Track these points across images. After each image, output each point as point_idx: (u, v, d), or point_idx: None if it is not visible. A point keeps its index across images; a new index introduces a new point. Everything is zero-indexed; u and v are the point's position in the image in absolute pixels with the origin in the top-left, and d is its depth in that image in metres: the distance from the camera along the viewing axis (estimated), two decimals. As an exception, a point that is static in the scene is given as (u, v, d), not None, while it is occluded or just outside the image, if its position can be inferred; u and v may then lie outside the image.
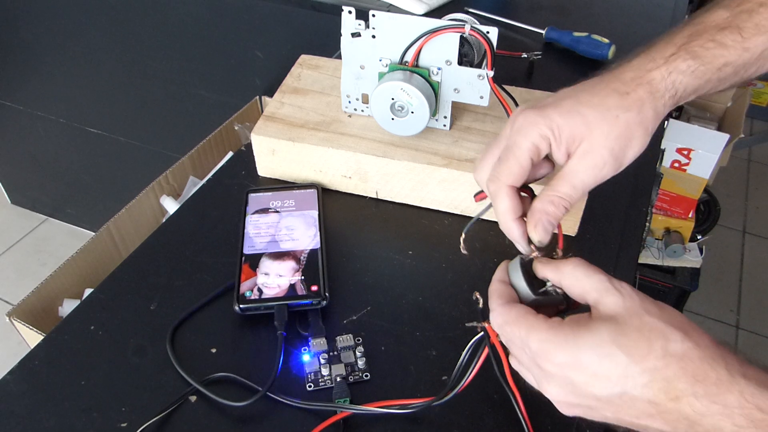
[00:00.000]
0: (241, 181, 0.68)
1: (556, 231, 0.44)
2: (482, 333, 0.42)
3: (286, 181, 0.67)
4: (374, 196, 0.66)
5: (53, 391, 0.48)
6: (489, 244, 0.61)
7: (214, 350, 0.51)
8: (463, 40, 0.59)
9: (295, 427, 0.46)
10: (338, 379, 0.49)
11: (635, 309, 0.35)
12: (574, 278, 0.38)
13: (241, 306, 0.52)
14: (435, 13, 0.97)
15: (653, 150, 0.75)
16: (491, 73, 0.59)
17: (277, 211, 0.62)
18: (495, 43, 0.57)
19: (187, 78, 1.32)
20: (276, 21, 1.14)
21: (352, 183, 0.65)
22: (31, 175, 1.83)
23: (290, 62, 0.75)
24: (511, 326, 0.38)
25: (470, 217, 0.63)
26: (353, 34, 0.60)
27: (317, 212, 0.61)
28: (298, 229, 0.60)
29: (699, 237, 1.45)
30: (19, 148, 1.76)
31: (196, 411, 0.47)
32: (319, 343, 0.51)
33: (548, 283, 0.40)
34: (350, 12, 0.60)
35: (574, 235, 0.62)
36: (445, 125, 0.65)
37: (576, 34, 0.90)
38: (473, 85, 0.61)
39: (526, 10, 1.02)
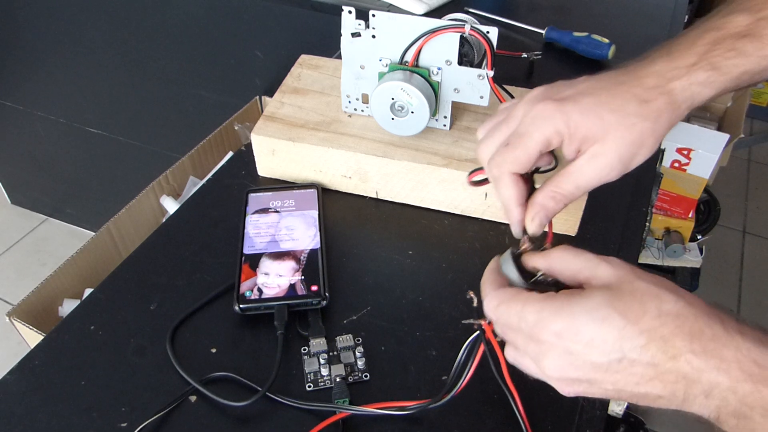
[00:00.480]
0: (241, 181, 0.68)
1: (544, 229, 0.44)
2: (478, 332, 0.42)
3: (286, 181, 0.67)
4: (374, 196, 0.66)
5: (53, 391, 0.48)
6: (489, 244, 0.61)
7: (214, 350, 0.51)
8: (463, 40, 0.59)
9: (294, 428, 0.46)
10: (338, 379, 0.49)
11: (627, 276, 0.36)
12: (563, 261, 0.39)
13: (241, 306, 0.52)
14: (435, 13, 0.97)
15: (653, 150, 0.75)
16: (491, 73, 0.59)
17: (277, 211, 0.62)
18: (495, 43, 0.57)
19: (187, 78, 1.32)
20: (276, 21, 1.14)
21: (352, 183, 0.65)
22: (31, 175, 1.83)
23: (290, 62, 0.75)
24: (506, 305, 0.38)
25: (470, 217, 0.64)
26: (353, 34, 0.60)
27: (317, 212, 0.61)
28: (298, 229, 0.60)
29: (699, 237, 1.45)
30: (19, 148, 1.76)
31: (196, 411, 0.47)
32: (318, 343, 0.51)
33: (539, 274, 0.41)
34: (350, 12, 0.60)
35: (574, 235, 0.62)
36: (445, 125, 0.65)
37: (576, 34, 0.90)
38: (473, 85, 0.61)
39: (526, 10, 1.02)
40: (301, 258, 0.56)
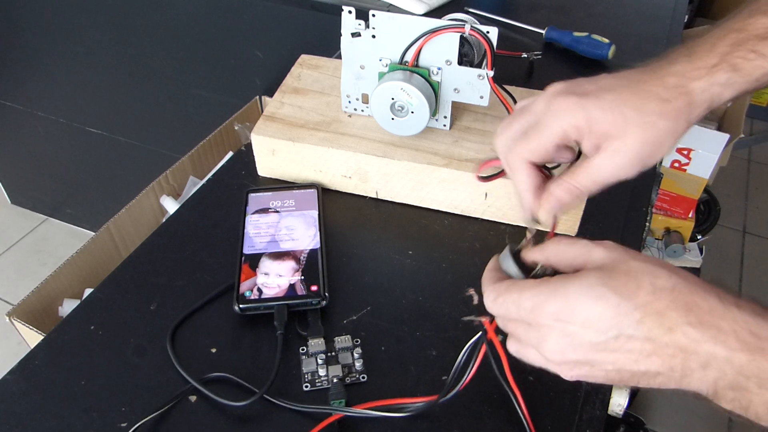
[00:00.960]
0: (241, 181, 0.68)
1: (545, 229, 0.45)
2: (480, 334, 0.42)
3: (286, 181, 0.67)
4: (374, 196, 0.66)
5: (53, 391, 0.48)
6: (489, 244, 0.61)
7: (214, 350, 0.51)
8: (463, 40, 0.59)
9: (291, 427, 0.46)
10: (335, 380, 0.49)
11: (621, 256, 0.36)
12: (559, 251, 0.39)
13: (240, 306, 0.52)
14: (435, 13, 0.97)
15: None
16: (491, 73, 0.59)
17: (277, 211, 0.62)
18: (495, 43, 0.57)
19: (187, 78, 1.32)
20: (276, 21, 1.14)
21: (352, 183, 0.65)
22: (31, 175, 1.83)
23: (290, 62, 0.75)
24: (504, 296, 0.38)
25: (470, 217, 0.64)
26: (353, 34, 0.60)
27: (317, 212, 0.61)
28: (298, 229, 0.60)
29: (699, 237, 1.45)
30: (19, 148, 1.76)
31: (195, 410, 0.47)
32: (317, 344, 0.51)
33: (538, 267, 0.41)
34: (350, 12, 0.60)
35: (574, 235, 0.62)
36: (445, 125, 0.65)
37: (576, 34, 0.90)
38: (473, 85, 0.61)
39: (526, 10, 1.02)
40: (301, 258, 0.56)
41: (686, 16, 1.05)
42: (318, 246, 0.58)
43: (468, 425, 0.47)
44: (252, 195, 0.63)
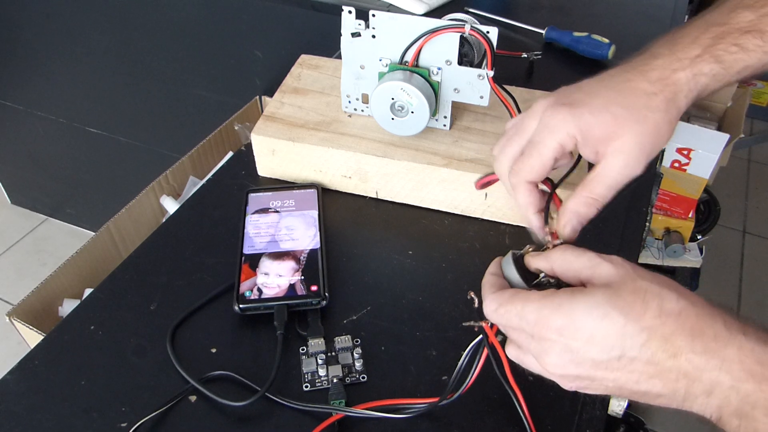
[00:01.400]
0: (241, 181, 0.68)
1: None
2: (481, 337, 0.42)
3: (286, 181, 0.67)
4: (374, 196, 0.66)
5: (53, 391, 0.48)
6: (489, 244, 0.61)
7: (214, 350, 0.51)
8: (463, 40, 0.59)
9: (290, 428, 0.46)
10: (335, 380, 0.49)
11: (628, 274, 0.36)
12: (564, 261, 0.39)
13: (240, 306, 0.52)
14: (435, 13, 0.96)
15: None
16: (491, 73, 0.59)
17: (277, 211, 0.62)
18: (495, 43, 0.57)
19: (187, 78, 1.32)
20: (276, 21, 1.14)
21: (352, 183, 0.65)
22: (31, 175, 1.83)
23: (290, 62, 0.75)
24: (505, 306, 0.38)
25: (470, 217, 0.64)
26: (353, 34, 0.60)
27: (317, 212, 0.61)
28: (298, 229, 0.60)
29: (699, 237, 1.45)
30: (19, 148, 1.76)
31: (195, 410, 0.47)
32: (317, 344, 0.51)
33: (541, 275, 0.40)
34: (350, 12, 0.60)
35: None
36: (445, 125, 0.65)
37: (576, 34, 0.90)
38: (473, 85, 0.61)
39: (526, 10, 1.02)
40: (301, 258, 0.56)
41: (686, 16, 1.05)
42: (318, 246, 0.58)
43: (468, 425, 0.47)
44: (252, 195, 0.63)
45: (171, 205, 1.04)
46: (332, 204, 0.65)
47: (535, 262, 0.41)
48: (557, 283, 0.40)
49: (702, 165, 1.27)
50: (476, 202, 0.63)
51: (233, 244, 0.58)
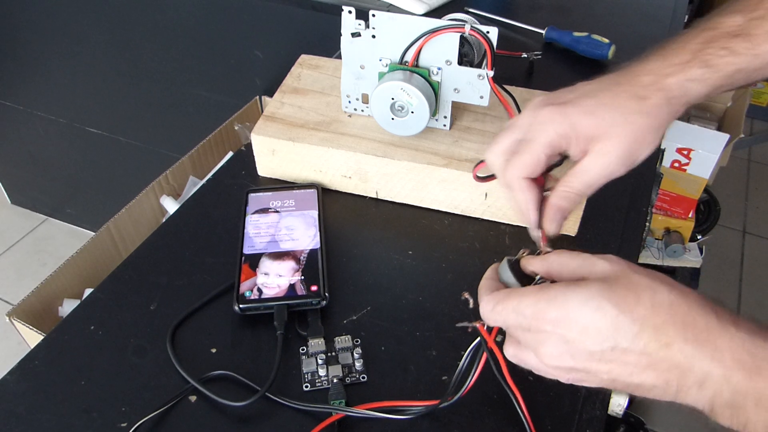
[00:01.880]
0: (241, 181, 0.68)
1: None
2: (479, 339, 0.42)
3: (286, 181, 0.67)
4: (374, 196, 0.66)
5: (53, 391, 0.48)
6: (489, 244, 0.61)
7: (214, 350, 0.51)
8: (463, 40, 0.59)
9: (290, 428, 0.46)
10: (335, 380, 0.49)
11: (623, 270, 0.36)
12: (560, 263, 0.39)
13: (240, 306, 0.52)
14: (435, 13, 0.96)
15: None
16: (491, 73, 0.59)
17: (277, 211, 0.62)
18: (495, 43, 0.57)
19: (187, 78, 1.32)
20: (276, 21, 1.14)
21: (352, 183, 0.65)
22: (31, 175, 1.83)
23: (290, 62, 0.75)
24: (502, 303, 0.38)
25: (470, 217, 0.64)
26: (353, 34, 0.60)
27: (317, 212, 0.61)
28: (298, 229, 0.60)
29: (699, 237, 1.45)
30: (19, 148, 1.76)
31: (194, 410, 0.47)
32: (317, 344, 0.51)
33: (537, 278, 0.41)
34: (350, 12, 0.60)
35: (574, 235, 0.62)
36: (445, 125, 0.65)
37: (576, 34, 0.90)
38: (473, 85, 0.61)
39: (526, 10, 1.02)
40: (301, 258, 0.56)
41: (686, 16, 1.05)
42: (318, 246, 0.58)
43: (468, 425, 0.47)
44: (252, 195, 0.63)
45: (171, 205, 1.04)
46: (332, 204, 0.65)
47: (531, 264, 0.41)
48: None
49: (702, 165, 1.27)
50: (476, 202, 0.63)
51: (233, 244, 0.58)
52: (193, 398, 0.48)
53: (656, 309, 0.34)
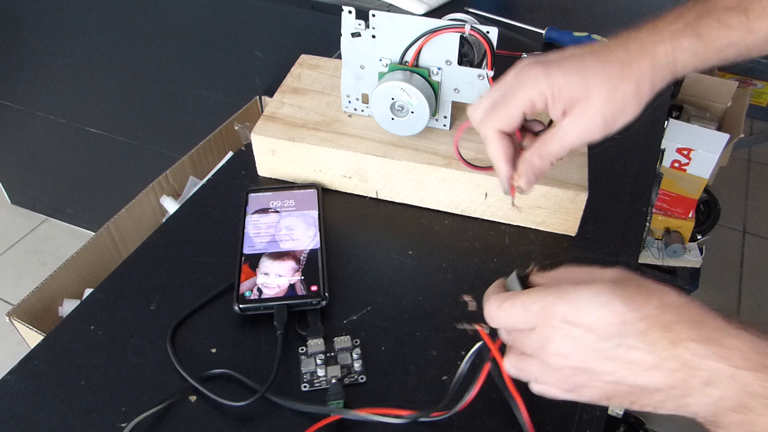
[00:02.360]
0: (241, 181, 0.68)
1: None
2: (480, 344, 0.42)
3: (286, 181, 0.67)
4: (374, 196, 0.66)
5: (53, 391, 0.48)
6: (489, 244, 0.61)
7: (214, 350, 0.51)
8: (463, 40, 0.59)
9: (288, 427, 0.46)
10: (333, 380, 0.49)
11: (632, 275, 0.37)
12: (569, 272, 0.39)
13: (240, 306, 0.52)
14: (435, 13, 0.97)
15: (653, 150, 0.75)
16: (491, 73, 0.59)
17: (277, 211, 0.62)
18: (495, 43, 0.57)
19: (187, 78, 1.32)
20: (276, 21, 1.14)
21: (352, 183, 0.65)
22: (31, 175, 1.83)
23: (290, 62, 0.75)
24: (509, 302, 0.38)
25: (470, 217, 0.64)
26: (353, 34, 0.60)
27: (317, 212, 0.61)
28: (298, 229, 0.60)
29: (699, 237, 1.45)
30: (19, 148, 1.76)
31: (194, 410, 0.47)
32: (316, 344, 0.51)
33: None
34: (350, 12, 0.60)
35: (574, 235, 0.62)
36: (445, 125, 0.65)
37: (576, 34, 0.90)
38: (473, 85, 0.61)
39: (526, 10, 1.02)
40: (301, 258, 0.56)
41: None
42: (318, 246, 0.58)
43: (467, 426, 0.47)
44: (252, 195, 0.63)
45: (171, 205, 1.04)
46: (332, 204, 0.65)
47: (540, 279, 0.41)
48: None
49: (702, 165, 1.27)
50: (476, 202, 0.63)
51: (233, 244, 0.58)
52: (193, 398, 0.48)
53: (665, 308, 0.34)
